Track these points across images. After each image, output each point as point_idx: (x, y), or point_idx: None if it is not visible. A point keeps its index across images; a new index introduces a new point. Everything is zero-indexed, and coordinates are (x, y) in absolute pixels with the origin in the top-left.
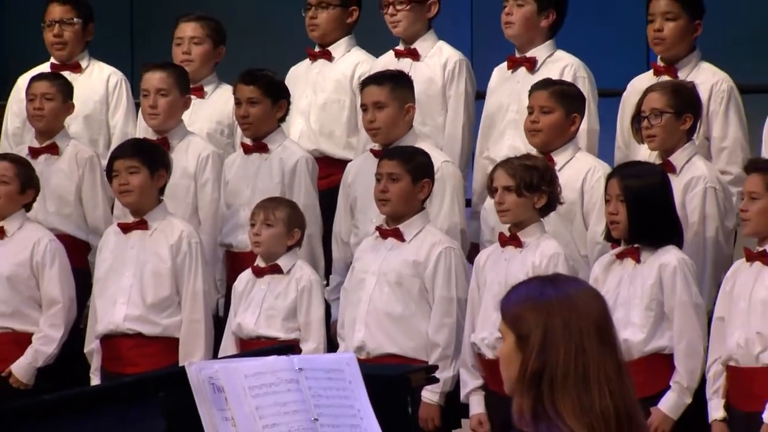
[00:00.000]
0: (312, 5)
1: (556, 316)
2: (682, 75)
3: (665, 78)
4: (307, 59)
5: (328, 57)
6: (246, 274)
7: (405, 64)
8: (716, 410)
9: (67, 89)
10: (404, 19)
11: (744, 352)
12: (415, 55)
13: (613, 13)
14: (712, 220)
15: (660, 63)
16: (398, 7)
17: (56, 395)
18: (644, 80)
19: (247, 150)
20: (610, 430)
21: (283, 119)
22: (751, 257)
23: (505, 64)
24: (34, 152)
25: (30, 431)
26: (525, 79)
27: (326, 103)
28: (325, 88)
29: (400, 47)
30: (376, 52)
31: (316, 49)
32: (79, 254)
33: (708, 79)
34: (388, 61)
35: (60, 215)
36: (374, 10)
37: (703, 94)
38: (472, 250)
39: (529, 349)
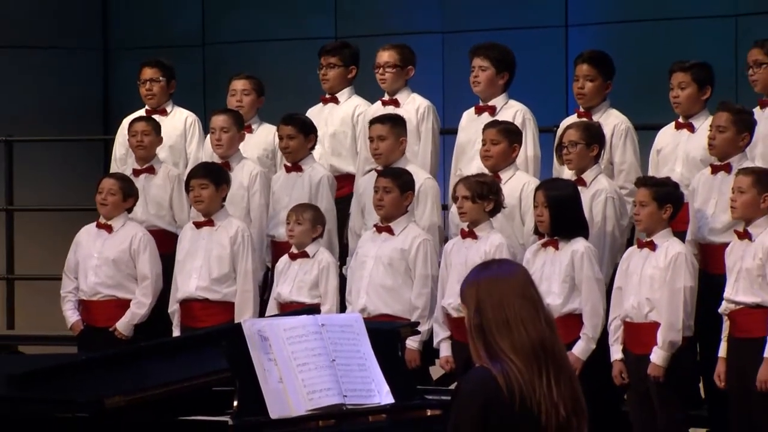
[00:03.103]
0: (324, 66)
1: (482, 288)
2: (595, 117)
3: (583, 119)
4: (320, 103)
5: (336, 101)
6: (284, 258)
7: (389, 110)
8: (616, 353)
9: (157, 128)
10: (389, 78)
11: (637, 312)
12: (396, 103)
13: (543, 75)
14: (610, 220)
15: (582, 109)
16: (387, 70)
17: (150, 343)
18: (570, 121)
19: (288, 170)
20: (529, 356)
21: (312, 148)
22: (641, 245)
23: (472, 109)
24: (137, 172)
25: (131, 368)
26: (487, 121)
27: (335, 134)
28: (333, 123)
29: (386, 98)
30: (368, 96)
31: (327, 96)
32: (169, 242)
33: (613, 121)
34: (378, 108)
35: (157, 216)
36: (367, 70)
37: (609, 131)
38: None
39: (469, 313)
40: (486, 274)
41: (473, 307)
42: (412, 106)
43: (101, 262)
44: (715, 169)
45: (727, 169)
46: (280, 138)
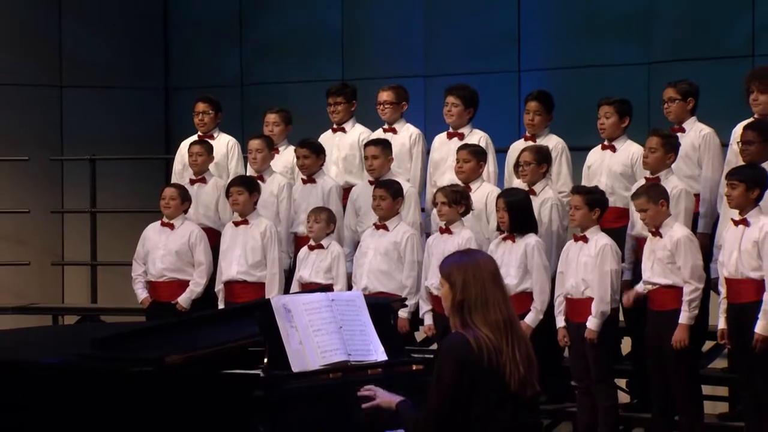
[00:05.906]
0: (332, 104)
1: (469, 272)
2: (539, 140)
3: (531, 143)
4: (329, 131)
5: (343, 130)
6: (304, 249)
7: (388, 136)
8: (560, 322)
9: (210, 149)
10: (388, 112)
11: (575, 290)
12: (394, 131)
13: (501, 108)
14: (554, 221)
15: (528, 135)
16: (386, 106)
17: (202, 313)
18: (520, 143)
19: (305, 182)
20: (500, 330)
21: (322, 164)
22: (576, 239)
23: (444, 134)
24: (192, 181)
25: (186, 334)
26: (456, 144)
27: (346, 157)
28: (344, 148)
29: (386, 126)
30: (369, 123)
31: (335, 126)
32: (215, 238)
33: (552, 142)
34: (379, 134)
35: (206, 216)
36: (367, 103)
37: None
38: (426, 236)
39: (455, 290)
40: (468, 259)
41: (460, 286)
42: (407, 133)
43: (166, 252)
44: (648, 181)
45: (657, 181)
46: (297, 157)
